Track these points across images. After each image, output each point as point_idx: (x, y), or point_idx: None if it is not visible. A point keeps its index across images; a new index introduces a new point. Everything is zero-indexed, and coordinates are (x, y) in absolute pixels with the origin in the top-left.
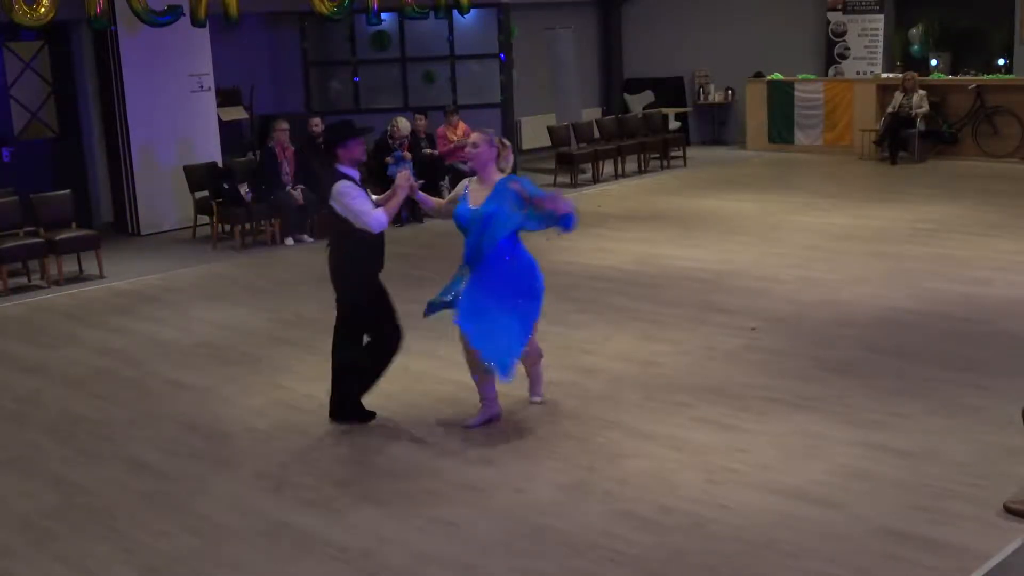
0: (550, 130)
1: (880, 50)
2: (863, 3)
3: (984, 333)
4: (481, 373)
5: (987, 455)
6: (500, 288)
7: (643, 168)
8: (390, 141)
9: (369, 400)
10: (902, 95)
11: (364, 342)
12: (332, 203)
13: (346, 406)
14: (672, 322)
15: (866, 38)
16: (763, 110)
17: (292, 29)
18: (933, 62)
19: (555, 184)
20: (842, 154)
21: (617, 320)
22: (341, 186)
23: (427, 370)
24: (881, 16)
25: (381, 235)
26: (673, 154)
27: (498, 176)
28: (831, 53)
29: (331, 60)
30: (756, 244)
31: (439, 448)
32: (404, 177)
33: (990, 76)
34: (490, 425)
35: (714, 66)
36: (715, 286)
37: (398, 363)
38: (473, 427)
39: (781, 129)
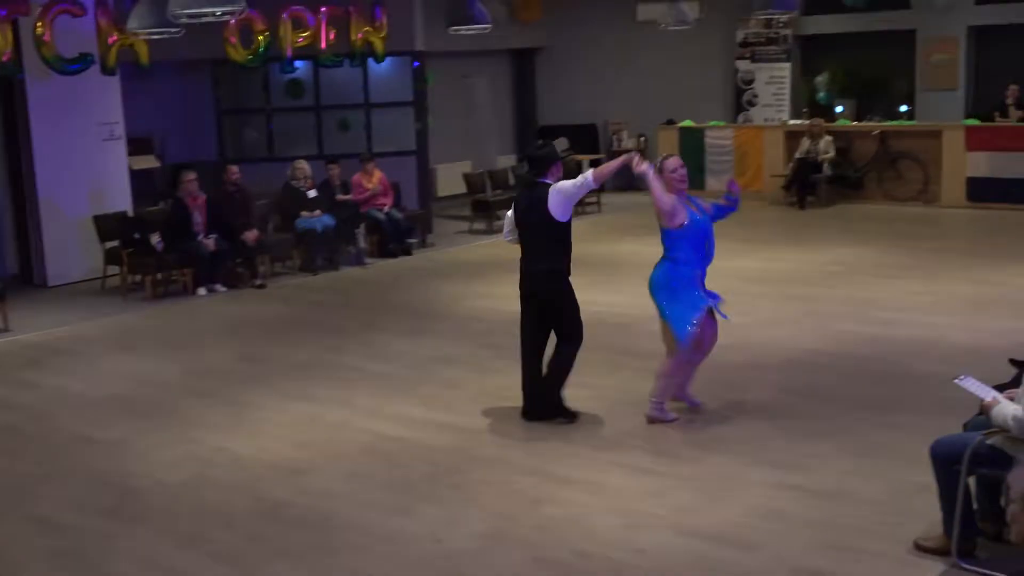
0: (466, 177)
1: (787, 97)
2: (770, 52)
3: (893, 373)
4: (659, 378)
5: (898, 493)
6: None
7: None
8: (293, 183)
9: (280, 447)
10: (809, 141)
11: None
12: (554, 203)
13: (549, 405)
14: (590, 367)
15: (773, 86)
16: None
17: (205, 77)
18: (838, 109)
19: (471, 231)
20: (752, 199)
21: None
22: (557, 184)
23: (345, 420)
24: (788, 65)
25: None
26: (588, 200)
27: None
28: (740, 100)
29: (245, 108)
30: None
31: (355, 499)
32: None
33: (893, 122)
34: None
35: (627, 113)
36: (632, 330)
37: (314, 413)
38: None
39: (693, 174)
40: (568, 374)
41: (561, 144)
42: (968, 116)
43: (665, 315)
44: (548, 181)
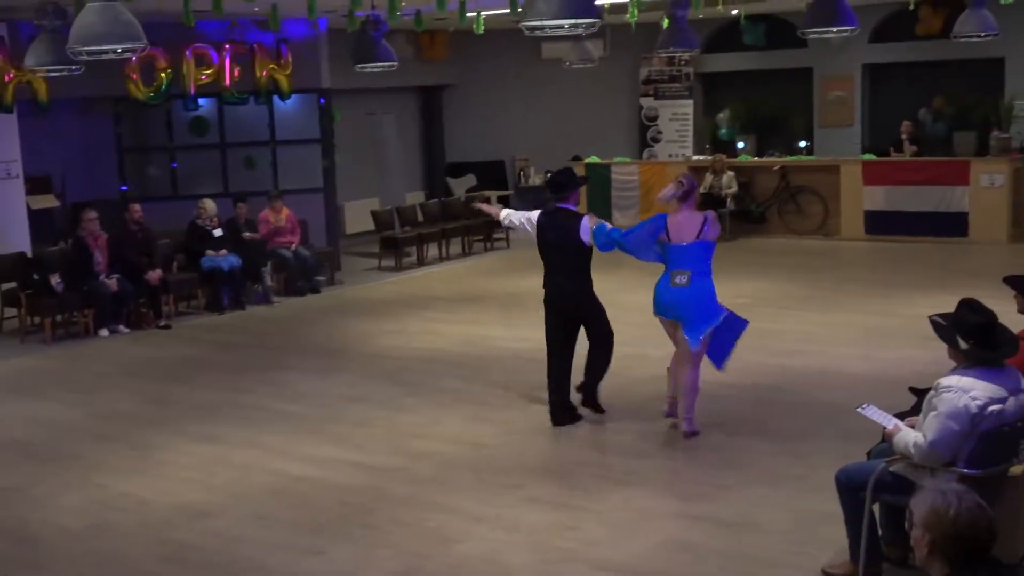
0: (374, 214)
1: (690, 133)
2: (673, 89)
3: (797, 403)
4: (688, 394)
5: (805, 521)
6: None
7: (467, 251)
8: (198, 222)
9: (185, 490)
10: (712, 176)
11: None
12: (584, 231)
13: (591, 402)
14: (501, 403)
15: (677, 122)
16: (582, 192)
17: (106, 115)
18: (740, 144)
19: (380, 268)
20: None
21: (447, 402)
22: (590, 218)
23: (253, 460)
24: (690, 102)
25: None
26: (496, 236)
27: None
28: (644, 137)
29: (147, 146)
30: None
31: (263, 541)
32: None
33: (793, 158)
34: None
35: (534, 150)
36: (541, 366)
37: (221, 454)
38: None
39: (600, 210)
40: (606, 372)
41: (468, 181)
42: (865, 151)
43: (702, 328)
44: (570, 207)
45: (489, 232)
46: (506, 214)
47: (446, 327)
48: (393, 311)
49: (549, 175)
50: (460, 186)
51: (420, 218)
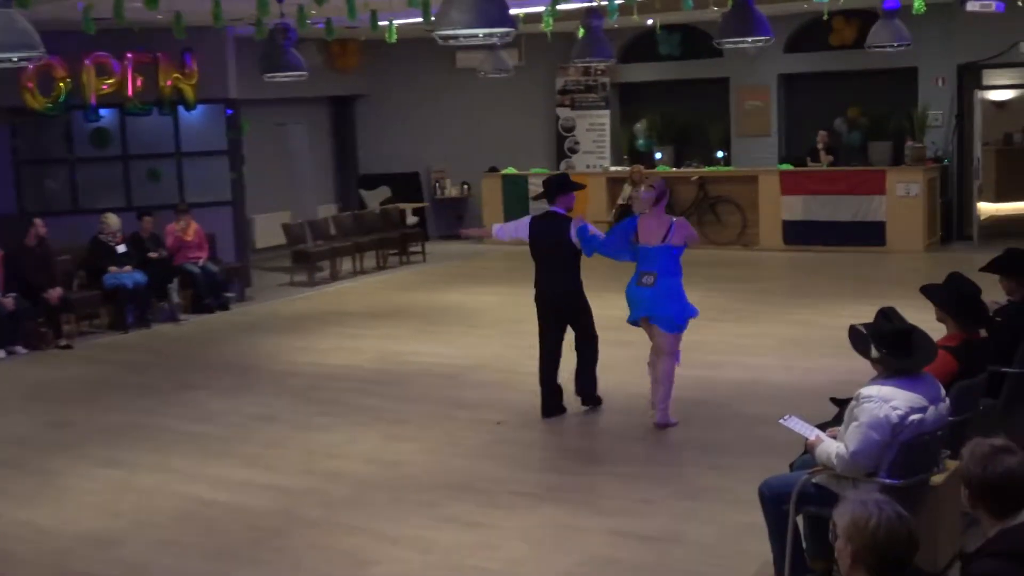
0: (285, 228)
1: (607, 144)
2: (589, 100)
3: (719, 415)
4: (663, 384)
5: (728, 535)
6: None
7: (382, 264)
8: (101, 237)
9: (88, 517)
10: (631, 187)
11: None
12: (573, 233)
13: (595, 390)
14: (417, 420)
15: (594, 133)
16: (499, 204)
17: (1, 126)
18: (658, 155)
19: (291, 283)
20: None
21: (361, 421)
22: (577, 221)
23: (160, 484)
24: (607, 112)
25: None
26: (412, 249)
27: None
28: (561, 147)
29: (46, 158)
30: (499, 337)
31: (172, 568)
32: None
33: (711, 168)
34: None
35: (449, 161)
36: (459, 381)
37: (125, 479)
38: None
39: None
40: (596, 363)
41: (383, 193)
42: (782, 161)
43: (675, 319)
44: (559, 209)
45: (404, 245)
46: (497, 228)
47: (361, 343)
48: (306, 327)
49: (544, 180)
50: (374, 198)
51: (333, 231)
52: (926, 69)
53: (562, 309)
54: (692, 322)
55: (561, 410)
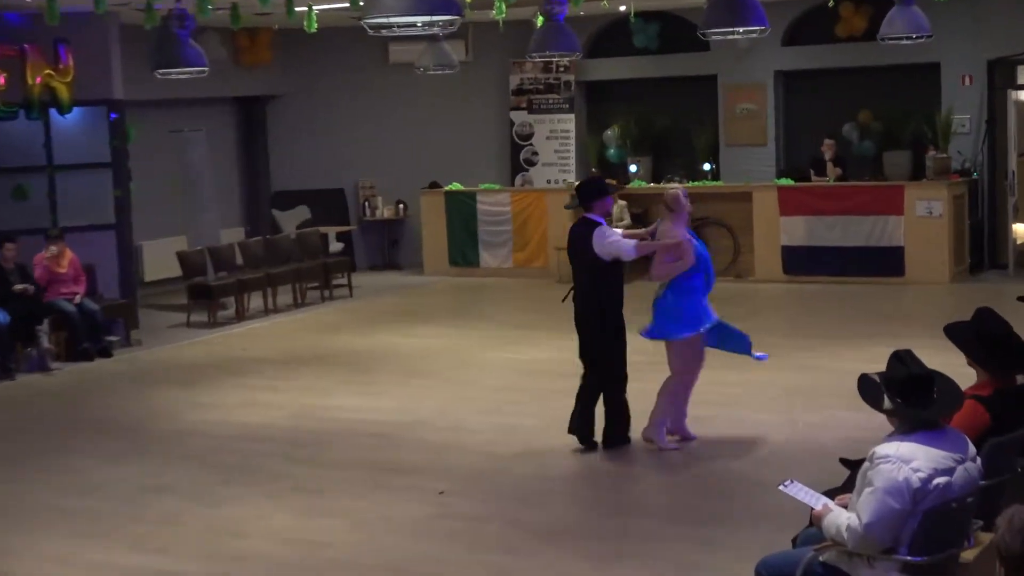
0: (180, 257)
1: (572, 155)
2: (550, 101)
3: (709, 479)
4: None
5: None
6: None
7: (300, 300)
8: None
9: None
10: None
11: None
12: (594, 246)
13: (618, 430)
14: (343, 489)
15: (556, 141)
16: (442, 227)
17: None
18: (632, 168)
19: (189, 324)
20: (536, 277)
21: (275, 491)
22: (600, 229)
23: (26, 572)
24: (571, 116)
25: (621, 278)
26: (336, 282)
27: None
28: (517, 159)
29: None
30: (442, 388)
31: None
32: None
33: (696, 183)
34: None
35: (382, 176)
36: (394, 442)
37: None
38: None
39: (464, 249)
40: (596, 402)
41: (300, 214)
42: (780, 175)
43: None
44: (595, 217)
45: (327, 277)
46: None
47: (274, 397)
48: (206, 378)
49: (577, 186)
50: (290, 220)
51: (240, 261)
52: (950, 65)
53: (581, 327)
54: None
55: (592, 445)
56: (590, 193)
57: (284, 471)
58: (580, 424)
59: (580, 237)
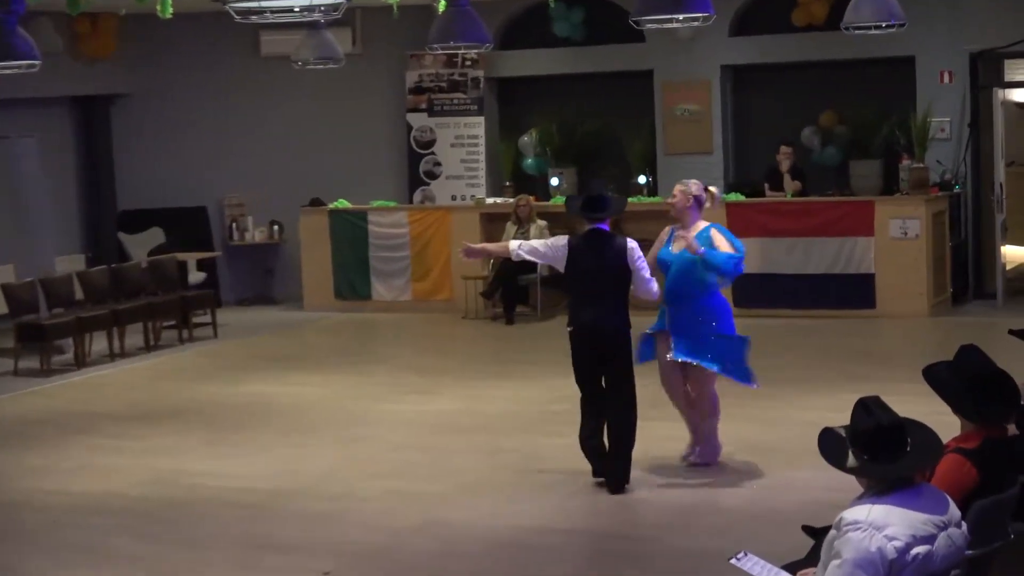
0: (5, 289)
1: (483, 165)
2: (455, 102)
3: (649, 553)
4: (705, 416)
5: None
6: (696, 326)
7: (153, 342)
8: None
9: None
10: (516, 227)
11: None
12: (632, 261)
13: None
14: (207, 572)
15: (462, 149)
16: (326, 253)
17: None
18: (554, 181)
19: (16, 372)
20: (440, 311)
21: (124, 575)
22: (634, 244)
23: None
24: (481, 119)
25: None
26: (198, 320)
27: (701, 223)
28: (416, 170)
29: None
30: (327, 447)
31: None
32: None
33: (630, 199)
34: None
35: (252, 191)
36: (269, 513)
37: None
38: (691, 460)
39: (353, 279)
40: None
41: (153, 238)
42: (729, 189)
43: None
44: (607, 228)
45: (186, 315)
46: (516, 246)
47: (122, 460)
48: (39, 437)
49: (585, 192)
50: (140, 245)
51: (79, 295)
52: (927, 59)
53: (607, 351)
54: None
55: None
56: (607, 201)
57: (135, 551)
58: (623, 471)
59: (603, 250)
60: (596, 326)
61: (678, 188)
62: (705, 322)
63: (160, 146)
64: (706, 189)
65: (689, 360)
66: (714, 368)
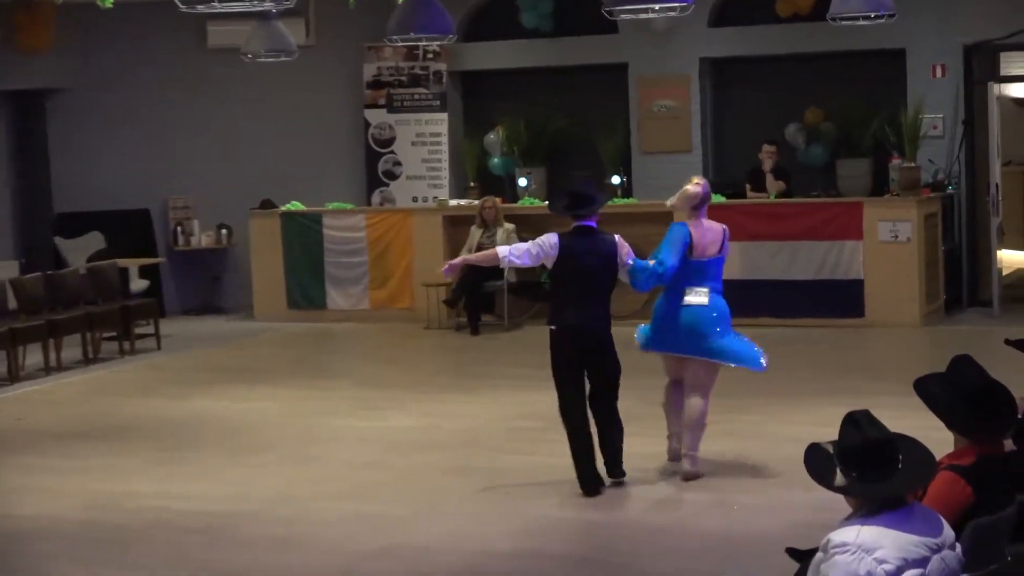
0: None
1: (445, 165)
2: (417, 97)
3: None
4: (692, 426)
5: None
6: (698, 325)
7: (93, 355)
8: None
9: None
10: (481, 231)
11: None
12: (623, 258)
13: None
14: None
15: (424, 148)
16: (278, 259)
17: None
18: (522, 182)
19: None
20: (400, 321)
21: None
22: (624, 242)
23: None
24: (444, 116)
25: None
26: (140, 331)
27: (705, 223)
28: (374, 170)
29: None
30: (281, 467)
31: None
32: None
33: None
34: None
35: (199, 193)
36: (220, 538)
37: None
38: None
39: (307, 287)
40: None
41: (93, 242)
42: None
43: (726, 352)
44: (594, 225)
45: (128, 325)
46: (506, 252)
47: (60, 482)
48: None
49: (570, 188)
50: (78, 251)
51: (12, 304)
52: (918, 52)
53: (592, 351)
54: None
55: (600, 482)
56: (594, 196)
57: None
58: (619, 456)
59: (594, 248)
60: (582, 327)
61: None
62: (706, 321)
63: (100, 144)
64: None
65: (688, 356)
66: (718, 359)
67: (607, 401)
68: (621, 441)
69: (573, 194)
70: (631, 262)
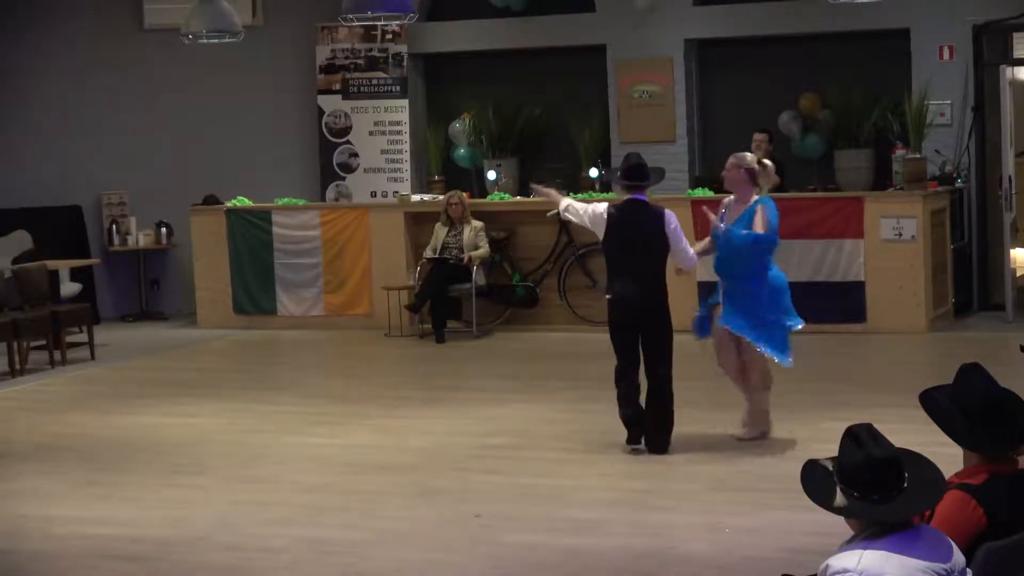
0: None
1: (407, 157)
2: (374, 82)
3: None
4: (759, 389)
5: None
6: (749, 303)
7: (19, 367)
8: None
9: None
10: (446, 229)
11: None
12: (670, 230)
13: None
14: None
15: (383, 137)
16: (223, 260)
17: None
18: (491, 174)
19: None
20: (358, 328)
21: None
22: (673, 215)
23: None
24: (405, 102)
25: None
26: (72, 340)
27: (754, 197)
28: (329, 163)
29: None
30: (224, 490)
31: None
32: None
33: (579, 196)
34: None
35: (136, 188)
36: (157, 568)
37: None
38: (746, 440)
39: (255, 291)
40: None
41: (19, 241)
42: (695, 184)
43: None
44: (644, 199)
45: (57, 333)
46: (567, 204)
47: None
48: None
49: (624, 161)
50: (2, 252)
51: None
52: (924, 32)
53: (639, 320)
54: (553, 457)
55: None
56: (646, 172)
57: None
58: (667, 433)
59: (643, 221)
60: (632, 296)
61: (730, 161)
62: (752, 297)
63: (25, 135)
64: (759, 162)
65: (735, 332)
66: (758, 344)
67: (658, 369)
68: (665, 416)
69: (629, 166)
70: (740, 231)
